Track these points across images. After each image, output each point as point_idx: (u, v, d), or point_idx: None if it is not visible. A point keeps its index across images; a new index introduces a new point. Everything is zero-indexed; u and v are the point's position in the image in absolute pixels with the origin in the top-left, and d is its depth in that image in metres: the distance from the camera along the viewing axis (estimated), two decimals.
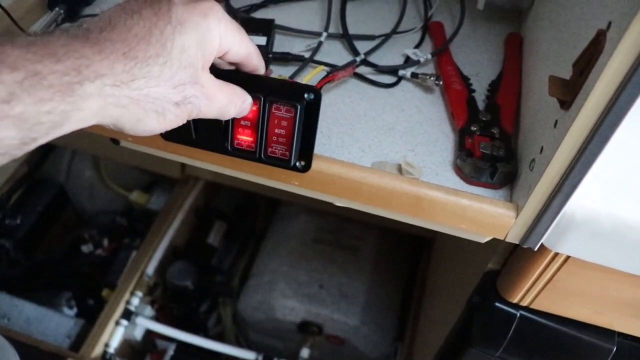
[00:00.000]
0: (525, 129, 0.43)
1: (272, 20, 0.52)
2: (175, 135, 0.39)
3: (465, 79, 0.49)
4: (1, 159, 0.25)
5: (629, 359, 0.47)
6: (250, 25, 0.51)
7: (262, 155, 0.39)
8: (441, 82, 0.48)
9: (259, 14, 0.56)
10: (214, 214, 1.21)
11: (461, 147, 0.42)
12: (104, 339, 0.96)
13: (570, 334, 0.47)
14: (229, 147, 0.39)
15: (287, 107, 0.37)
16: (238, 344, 1.11)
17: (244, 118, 0.38)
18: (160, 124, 0.31)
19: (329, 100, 0.47)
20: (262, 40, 0.49)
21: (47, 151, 1.20)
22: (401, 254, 1.13)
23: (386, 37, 0.53)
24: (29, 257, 1.12)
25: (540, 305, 0.46)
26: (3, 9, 0.47)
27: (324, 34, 0.52)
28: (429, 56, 0.51)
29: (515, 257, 0.45)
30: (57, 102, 0.25)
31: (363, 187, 0.40)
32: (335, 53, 0.52)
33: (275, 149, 0.38)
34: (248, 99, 0.36)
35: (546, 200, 0.36)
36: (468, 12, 0.55)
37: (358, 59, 0.50)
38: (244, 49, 0.35)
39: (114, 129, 0.30)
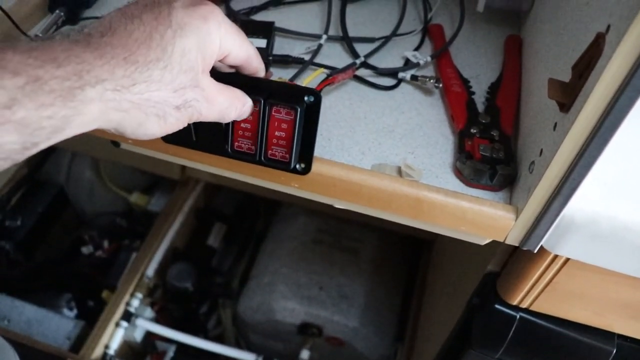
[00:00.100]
0: (525, 132, 0.43)
1: (272, 23, 0.52)
2: (175, 138, 0.39)
3: (465, 82, 0.49)
4: (3, 164, 0.25)
5: None
6: (250, 27, 0.51)
7: (262, 158, 0.39)
8: (441, 85, 0.48)
9: (259, 17, 0.56)
10: (214, 216, 1.21)
11: (461, 149, 0.43)
12: (104, 340, 0.96)
13: (570, 335, 0.47)
14: (229, 150, 0.39)
15: (287, 109, 0.37)
16: (238, 345, 1.11)
17: (244, 121, 0.38)
18: (161, 128, 0.31)
19: (329, 103, 0.47)
20: (262, 43, 0.50)
21: (47, 153, 1.20)
22: (401, 256, 1.13)
23: (386, 39, 0.53)
24: (29, 259, 1.12)
25: (540, 307, 0.46)
26: (4, 11, 0.47)
27: (324, 37, 0.52)
28: (429, 59, 0.51)
29: (515, 259, 0.45)
30: (58, 107, 0.25)
31: (363, 190, 0.41)
32: (335, 55, 0.52)
33: (275, 151, 0.38)
34: (248, 102, 0.36)
35: (546, 202, 0.36)
36: (468, 14, 0.55)
37: (358, 61, 0.50)
38: (244, 52, 0.35)
39: (115, 133, 0.30)
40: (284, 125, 0.37)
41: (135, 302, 1.01)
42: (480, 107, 0.47)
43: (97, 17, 0.53)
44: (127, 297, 1.01)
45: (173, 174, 1.15)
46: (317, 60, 0.51)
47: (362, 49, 0.52)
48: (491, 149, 0.42)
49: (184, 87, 0.31)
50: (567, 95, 0.33)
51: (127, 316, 1.00)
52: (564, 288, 0.43)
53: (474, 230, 0.41)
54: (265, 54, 0.49)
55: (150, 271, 1.05)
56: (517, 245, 0.41)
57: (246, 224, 1.24)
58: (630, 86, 0.28)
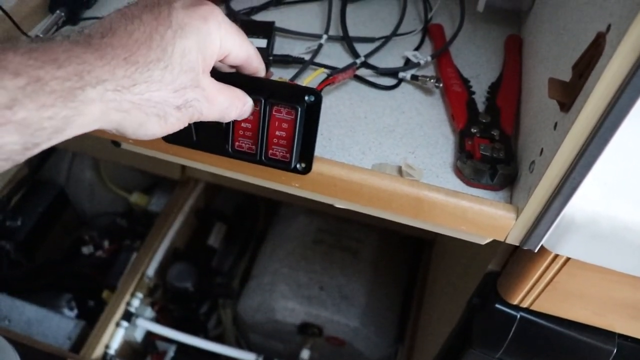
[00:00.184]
0: (525, 131, 0.43)
1: (272, 23, 0.52)
2: (176, 138, 0.39)
3: (465, 81, 0.49)
4: (4, 165, 0.25)
5: None
6: (251, 27, 0.51)
7: (263, 158, 0.39)
8: (441, 84, 0.48)
9: (259, 17, 0.56)
10: (214, 216, 1.21)
11: (461, 149, 0.43)
12: (104, 340, 0.96)
13: (570, 335, 0.47)
14: (230, 149, 0.39)
15: (287, 109, 0.37)
16: (238, 345, 1.11)
17: (245, 120, 0.38)
18: (162, 128, 0.31)
19: (329, 103, 0.47)
20: (263, 43, 0.50)
21: (47, 153, 1.20)
22: (401, 256, 1.13)
23: (386, 39, 0.53)
24: (30, 259, 1.12)
25: (540, 306, 0.46)
26: (4, 11, 0.47)
27: (324, 37, 0.52)
28: (429, 58, 0.51)
29: (515, 258, 0.45)
30: (59, 108, 0.25)
31: (363, 189, 0.41)
32: (335, 55, 0.52)
33: (275, 151, 0.38)
34: (249, 102, 0.36)
35: (546, 202, 0.36)
36: (468, 14, 0.55)
37: (358, 61, 0.50)
38: (244, 51, 0.35)
39: (116, 134, 0.30)
40: (285, 125, 0.37)
41: (136, 302, 1.01)
42: (481, 107, 0.47)
43: (97, 18, 0.53)
44: (127, 297, 1.01)
45: (173, 174, 1.15)
46: (318, 60, 0.51)
47: (363, 48, 0.52)
48: (491, 148, 0.42)
49: (184, 87, 0.31)
50: (568, 94, 0.33)
51: (128, 316, 1.00)
52: (564, 288, 0.43)
53: (474, 230, 0.41)
54: (265, 53, 0.49)
55: (151, 271, 1.05)
56: (517, 244, 0.41)
57: (246, 224, 1.25)
58: (631, 86, 0.28)
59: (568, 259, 0.40)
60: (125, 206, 1.24)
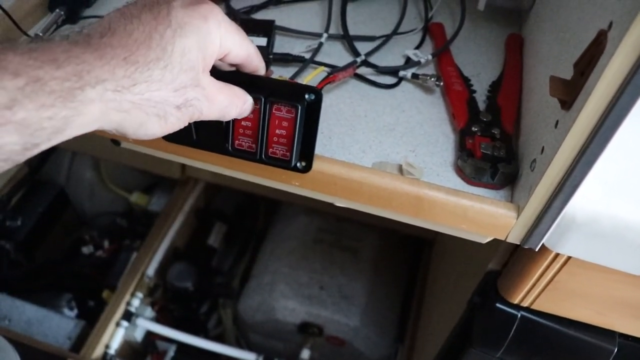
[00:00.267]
0: (526, 130, 0.43)
1: (272, 21, 0.52)
2: (176, 137, 0.39)
3: (465, 80, 0.49)
4: (3, 165, 0.25)
5: (630, 359, 0.47)
6: (251, 26, 0.51)
7: (263, 156, 0.39)
8: (442, 83, 0.48)
9: (259, 15, 0.56)
10: (214, 215, 1.21)
11: (462, 147, 0.42)
12: (104, 340, 0.96)
13: (571, 334, 0.47)
14: (230, 148, 0.39)
15: (287, 107, 0.37)
16: (238, 345, 1.11)
17: (245, 119, 0.38)
18: (162, 128, 0.31)
19: (329, 101, 0.47)
20: (263, 42, 0.49)
21: (47, 153, 1.20)
22: (402, 255, 1.13)
23: (387, 38, 0.53)
24: (30, 259, 1.12)
25: (541, 306, 0.46)
26: (4, 10, 0.47)
27: (325, 35, 0.52)
28: (430, 57, 0.51)
29: (516, 257, 0.45)
30: (58, 108, 0.25)
31: (364, 188, 0.40)
32: (335, 54, 0.52)
33: (276, 149, 0.38)
34: (249, 100, 0.36)
35: (547, 200, 0.36)
36: (468, 13, 0.55)
37: (359, 59, 0.50)
38: (244, 50, 0.35)
39: (116, 134, 0.30)
40: (285, 123, 0.37)
41: (136, 302, 1.01)
42: (482, 106, 0.47)
43: (97, 16, 0.53)
44: (127, 297, 1.01)
45: (173, 173, 1.15)
46: (318, 58, 0.51)
47: (363, 47, 0.52)
48: (492, 147, 0.41)
49: (184, 87, 0.31)
50: (569, 92, 0.33)
51: (128, 316, 1.00)
52: (565, 287, 0.43)
53: (475, 229, 0.40)
54: (265, 52, 0.49)
55: (151, 271, 1.05)
56: (518, 243, 0.41)
57: (246, 223, 1.24)
58: (632, 84, 0.28)
59: (569, 258, 0.40)
60: (125, 206, 1.24)
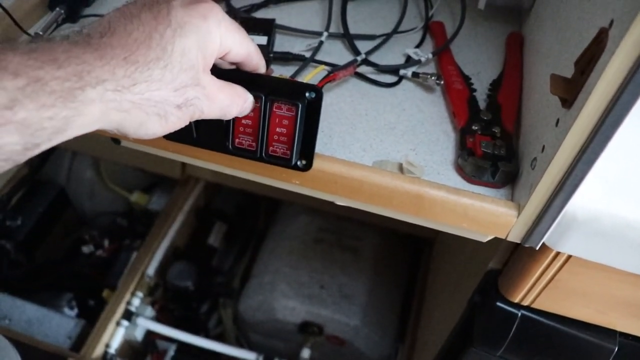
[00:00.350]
0: (527, 128, 0.43)
1: (272, 20, 0.52)
2: (176, 135, 0.39)
3: (466, 79, 0.49)
4: (4, 165, 0.25)
5: (631, 358, 0.47)
6: (251, 24, 0.51)
7: (263, 154, 0.39)
8: (442, 82, 0.48)
9: (259, 14, 0.56)
10: (215, 215, 1.21)
11: (462, 146, 0.42)
12: (104, 339, 0.96)
13: (571, 333, 0.47)
14: (230, 146, 0.39)
15: (288, 105, 0.37)
16: (239, 344, 1.11)
17: (245, 117, 0.38)
18: (163, 127, 0.31)
19: (330, 100, 0.47)
20: (263, 40, 0.49)
21: (47, 153, 1.20)
22: (402, 255, 1.13)
23: (387, 36, 0.53)
24: (30, 259, 1.12)
25: (541, 304, 0.46)
26: (4, 9, 0.47)
27: (325, 34, 0.52)
28: (430, 56, 0.51)
29: (516, 256, 0.45)
30: (59, 108, 0.25)
31: (364, 186, 0.40)
32: (336, 53, 0.52)
33: (276, 147, 0.38)
34: (249, 98, 0.36)
35: (548, 199, 0.36)
36: (469, 11, 0.55)
37: (359, 58, 0.50)
38: (244, 49, 0.35)
39: (117, 133, 0.30)
40: (285, 122, 0.37)
41: (136, 302, 1.01)
42: (482, 104, 0.47)
43: (97, 15, 0.53)
44: (127, 297, 1.01)
45: (173, 173, 1.15)
46: (318, 57, 0.51)
47: (363, 46, 0.52)
48: (493, 145, 0.41)
49: (185, 86, 0.31)
50: (570, 91, 0.33)
51: (128, 315, 1.00)
52: (565, 285, 0.43)
53: (475, 227, 0.40)
54: (265, 51, 0.49)
55: (151, 270, 1.05)
56: (518, 242, 0.41)
57: (247, 223, 1.24)
58: (633, 82, 0.28)
59: (569, 256, 0.40)
60: (125, 205, 1.24)
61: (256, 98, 0.37)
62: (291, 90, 0.37)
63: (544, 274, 0.43)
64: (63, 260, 1.17)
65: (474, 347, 0.52)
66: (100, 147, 1.12)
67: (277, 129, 0.38)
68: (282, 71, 0.49)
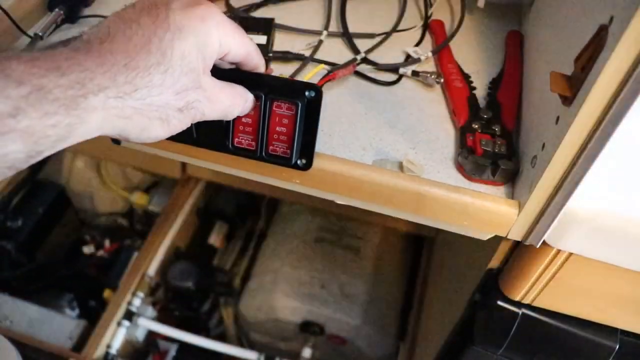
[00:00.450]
0: (527, 126, 0.43)
1: (272, 19, 0.52)
2: (176, 135, 0.39)
3: (466, 77, 0.49)
4: (7, 172, 0.25)
5: (632, 356, 0.47)
6: (250, 24, 0.51)
7: (263, 154, 0.39)
8: (442, 80, 0.48)
9: (258, 13, 0.56)
10: (215, 215, 1.21)
11: (462, 144, 0.42)
12: (106, 339, 0.96)
13: (572, 331, 0.47)
14: (230, 146, 0.39)
15: (288, 104, 0.37)
16: (240, 344, 1.11)
17: (245, 116, 0.38)
18: (165, 131, 0.31)
19: (329, 99, 0.47)
20: (262, 39, 0.49)
21: None
22: (403, 253, 1.13)
23: (386, 35, 0.53)
24: (31, 259, 1.12)
25: (542, 302, 0.46)
26: (3, 10, 0.47)
27: (324, 33, 0.52)
28: (430, 54, 0.51)
29: (517, 254, 0.45)
30: (62, 116, 0.25)
31: (364, 185, 0.40)
32: (335, 51, 0.52)
33: (276, 147, 0.38)
34: (250, 98, 0.36)
35: (548, 197, 0.36)
36: (468, 10, 0.55)
37: (358, 57, 0.50)
38: (243, 49, 0.35)
39: (119, 138, 0.31)
40: (285, 121, 0.37)
41: (137, 302, 1.01)
42: (482, 102, 0.47)
43: (96, 16, 0.53)
44: (128, 297, 1.01)
45: (174, 173, 1.15)
46: (318, 56, 0.50)
47: (363, 44, 0.52)
48: (493, 143, 0.41)
49: (186, 89, 0.31)
50: (570, 88, 0.33)
51: (129, 315, 1.00)
52: (566, 283, 0.43)
53: (476, 226, 0.40)
54: (265, 50, 0.49)
55: (152, 270, 1.05)
56: (519, 240, 0.40)
57: (247, 222, 1.24)
58: (634, 78, 0.28)
59: (570, 254, 0.40)
60: (126, 206, 1.24)
61: (256, 97, 0.36)
62: (291, 90, 0.37)
63: (544, 272, 0.43)
64: (64, 261, 1.17)
65: (475, 346, 0.52)
66: (100, 147, 1.12)
67: (277, 128, 0.38)
68: (282, 70, 0.49)
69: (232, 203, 1.24)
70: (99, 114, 0.27)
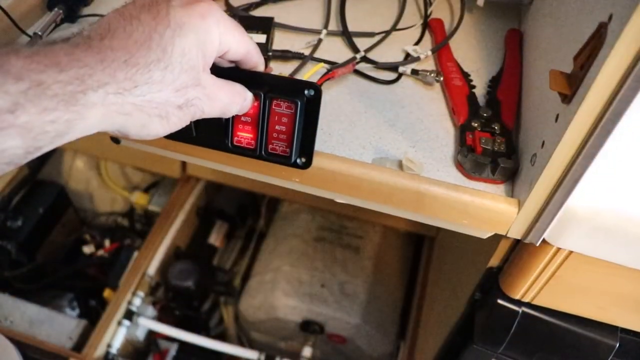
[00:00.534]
0: (526, 124, 0.43)
1: (271, 18, 0.52)
2: (175, 134, 0.39)
3: (465, 75, 0.49)
4: (5, 168, 0.25)
5: (632, 354, 0.47)
6: (250, 23, 0.51)
7: (263, 152, 0.39)
8: (441, 79, 0.48)
9: (258, 12, 0.56)
10: (215, 214, 1.21)
11: (462, 143, 0.42)
12: (106, 339, 0.96)
13: (572, 330, 0.47)
14: (230, 145, 0.39)
15: (287, 103, 0.37)
16: (240, 343, 1.11)
17: (245, 115, 0.38)
18: (164, 128, 0.31)
19: (329, 98, 0.47)
20: (262, 38, 0.49)
21: (48, 153, 1.19)
22: (403, 252, 1.13)
23: (386, 34, 0.53)
24: (31, 259, 1.12)
25: (542, 301, 0.46)
26: (2, 9, 0.47)
27: (324, 31, 0.52)
28: (429, 53, 0.51)
29: (517, 252, 0.45)
30: (61, 112, 0.25)
31: (364, 184, 0.40)
32: (335, 50, 0.52)
33: (275, 145, 0.38)
34: (249, 96, 0.36)
35: (548, 195, 0.36)
36: (468, 8, 0.55)
37: (358, 56, 0.50)
38: (243, 47, 0.35)
39: (119, 135, 0.30)
40: (285, 119, 0.37)
41: (137, 301, 1.01)
42: (481, 101, 0.47)
43: (96, 15, 0.53)
44: (129, 296, 1.01)
45: (174, 172, 1.15)
46: (317, 55, 0.51)
47: (362, 43, 0.52)
48: (492, 142, 0.41)
49: (185, 87, 0.31)
50: (569, 86, 0.33)
51: (129, 315, 1.00)
52: (566, 282, 0.43)
53: (475, 224, 0.40)
54: (264, 49, 0.49)
55: (152, 270, 1.05)
56: (519, 238, 0.40)
57: (247, 222, 1.24)
58: (633, 76, 0.28)
59: (570, 252, 0.40)
60: (126, 205, 1.24)
61: (255, 96, 0.36)
62: (290, 88, 0.37)
63: (544, 270, 0.43)
64: (64, 261, 1.17)
65: (475, 344, 0.52)
66: (100, 147, 1.12)
67: (277, 127, 0.37)
68: (281, 69, 0.49)
69: (232, 202, 1.24)
70: (99, 110, 0.27)
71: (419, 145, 0.43)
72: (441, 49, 0.51)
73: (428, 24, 0.55)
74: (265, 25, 0.51)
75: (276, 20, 0.53)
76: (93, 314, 1.05)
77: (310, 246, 1.08)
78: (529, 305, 0.47)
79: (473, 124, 0.43)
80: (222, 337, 1.12)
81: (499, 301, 0.48)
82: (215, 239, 1.19)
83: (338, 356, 1.05)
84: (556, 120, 0.35)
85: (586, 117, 0.31)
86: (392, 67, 0.50)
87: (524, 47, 0.51)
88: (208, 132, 0.39)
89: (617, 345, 0.46)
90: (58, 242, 1.19)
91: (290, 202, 1.16)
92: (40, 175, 1.19)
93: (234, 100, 0.35)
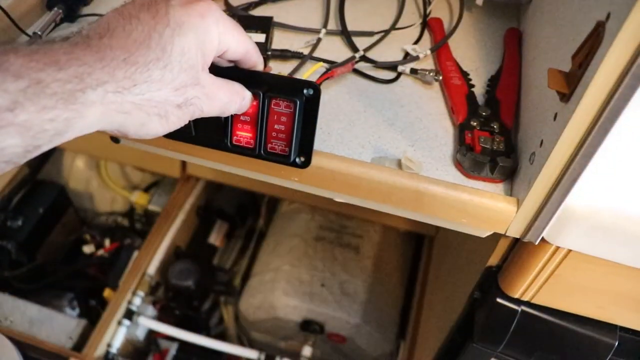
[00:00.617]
0: (525, 123, 0.43)
1: (270, 18, 0.52)
2: (174, 133, 0.39)
3: (464, 74, 0.49)
4: (4, 167, 0.25)
5: (631, 353, 0.47)
6: (249, 22, 0.51)
7: (262, 152, 0.39)
8: (440, 78, 0.48)
9: (257, 12, 0.56)
10: (215, 214, 1.21)
11: (461, 142, 0.42)
12: (106, 339, 0.96)
13: (572, 329, 0.47)
14: (229, 144, 0.39)
15: (286, 102, 0.37)
16: (240, 343, 1.11)
17: (244, 114, 0.38)
18: (164, 127, 0.31)
19: (328, 97, 0.47)
20: (261, 38, 0.50)
21: (48, 153, 1.20)
22: (402, 252, 1.13)
23: (385, 33, 0.53)
24: (31, 259, 1.12)
25: (541, 300, 0.46)
26: (2, 9, 0.47)
27: (323, 31, 0.52)
28: (428, 52, 0.51)
29: (516, 251, 0.45)
30: (60, 110, 0.25)
31: (363, 183, 0.40)
32: (334, 49, 0.52)
33: (274, 144, 0.38)
34: (248, 96, 0.36)
35: (546, 193, 0.36)
36: (467, 7, 0.55)
37: (357, 55, 0.50)
38: (242, 46, 0.35)
39: (118, 134, 0.31)
40: (284, 119, 0.37)
41: (137, 301, 1.01)
42: (480, 100, 0.47)
43: (95, 14, 0.53)
44: (129, 296, 1.01)
45: (173, 172, 1.16)
46: (316, 54, 0.51)
47: (362, 42, 0.52)
48: (491, 141, 0.41)
49: (184, 86, 0.31)
50: (568, 85, 0.33)
51: (129, 315, 1.00)
52: (565, 280, 0.43)
53: (474, 223, 0.40)
54: (263, 48, 0.49)
55: (152, 270, 1.05)
56: (518, 237, 0.41)
57: (247, 221, 1.24)
58: (631, 75, 0.28)
59: (569, 251, 0.40)
60: (126, 205, 1.24)
61: (254, 95, 0.37)
62: (289, 87, 0.37)
63: (543, 269, 0.43)
64: (64, 260, 1.17)
65: (474, 343, 0.52)
66: (100, 147, 1.12)
67: (276, 126, 0.38)
68: (281, 68, 0.49)
69: (232, 202, 1.24)
70: (98, 108, 0.27)
71: (418, 144, 0.43)
72: (440, 48, 0.51)
73: (427, 23, 0.55)
74: (265, 25, 0.51)
75: (275, 19, 0.53)
76: (93, 313, 1.05)
77: (310, 246, 1.08)
78: (528, 304, 0.47)
79: (472, 123, 0.43)
80: (222, 336, 1.12)
81: (498, 300, 0.48)
82: (215, 238, 1.19)
83: (338, 356, 1.05)
84: (554, 119, 0.35)
85: (584, 116, 0.31)
86: (391, 67, 0.50)
87: (523, 46, 0.51)
88: (207, 132, 0.39)
89: (616, 343, 0.46)
90: (58, 242, 1.19)
91: (290, 201, 1.17)
92: (40, 175, 1.19)
93: (233, 99, 0.35)
